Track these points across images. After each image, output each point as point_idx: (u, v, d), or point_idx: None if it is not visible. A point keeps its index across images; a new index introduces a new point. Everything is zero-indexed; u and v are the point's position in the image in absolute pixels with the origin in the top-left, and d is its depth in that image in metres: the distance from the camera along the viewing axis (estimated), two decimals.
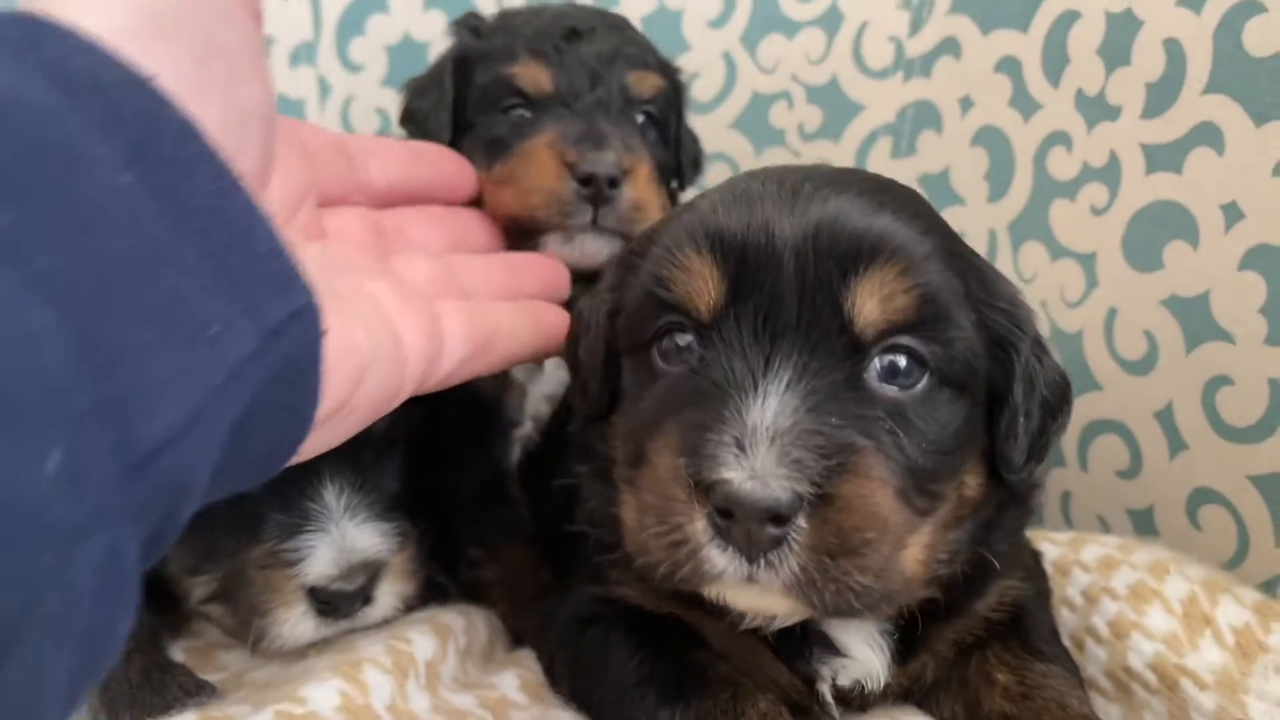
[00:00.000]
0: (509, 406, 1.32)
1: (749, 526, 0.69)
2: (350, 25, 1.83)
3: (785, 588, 0.71)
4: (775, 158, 1.71)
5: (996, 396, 0.84)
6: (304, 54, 1.84)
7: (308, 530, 0.96)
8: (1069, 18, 1.29)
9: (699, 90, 1.73)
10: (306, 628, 0.97)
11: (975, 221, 1.45)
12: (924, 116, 1.53)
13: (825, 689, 0.90)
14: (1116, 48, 1.22)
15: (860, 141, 1.61)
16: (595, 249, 1.20)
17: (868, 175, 0.90)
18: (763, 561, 0.70)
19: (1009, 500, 0.90)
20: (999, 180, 1.41)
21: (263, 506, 0.97)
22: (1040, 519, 1.30)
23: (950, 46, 1.48)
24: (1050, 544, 1.10)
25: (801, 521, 0.69)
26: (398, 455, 1.08)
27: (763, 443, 0.70)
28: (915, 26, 1.53)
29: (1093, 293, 1.28)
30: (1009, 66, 1.38)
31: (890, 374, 0.77)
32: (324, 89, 1.87)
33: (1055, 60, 1.31)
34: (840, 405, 0.74)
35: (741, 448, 0.70)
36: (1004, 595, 0.95)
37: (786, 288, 0.75)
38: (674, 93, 1.38)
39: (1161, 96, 1.16)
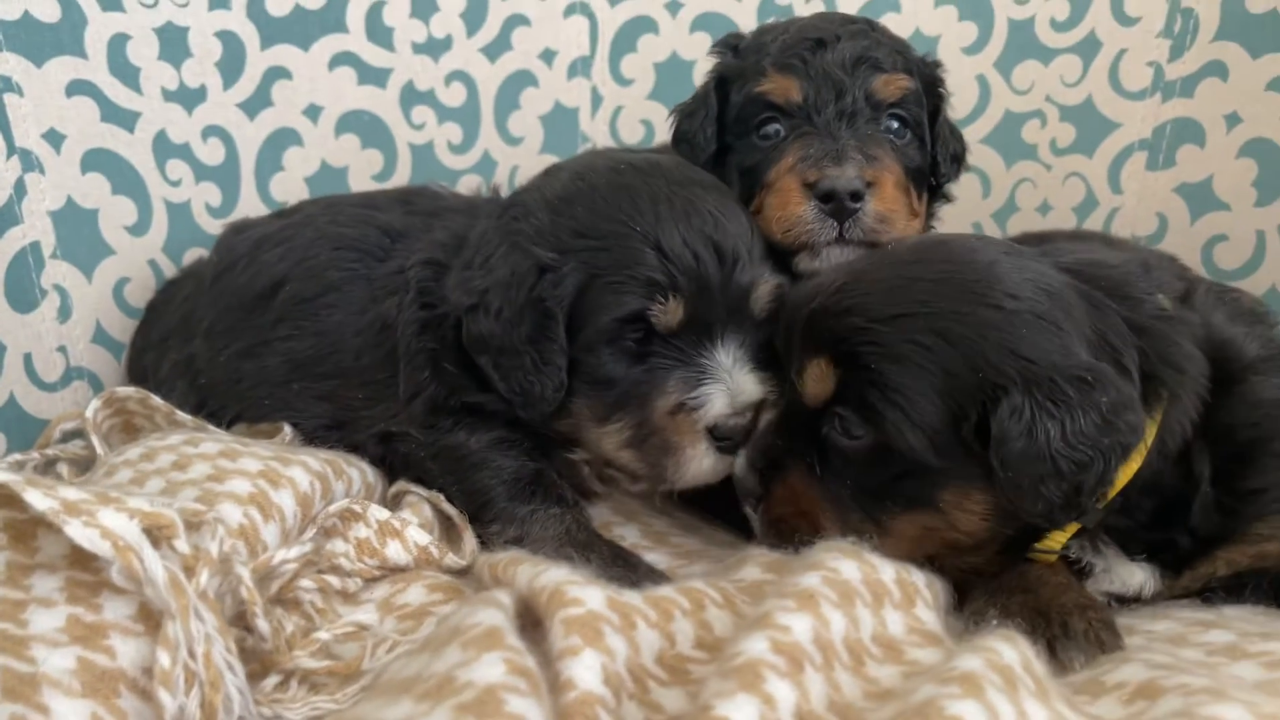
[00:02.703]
0: None
1: None
2: (623, 43, 2.02)
3: None
4: (1026, 171, 1.87)
5: None
6: (580, 67, 2.04)
7: (706, 382, 1.15)
8: None
9: (951, 109, 1.90)
10: (708, 462, 1.16)
11: (1241, 223, 1.60)
12: (1184, 132, 1.69)
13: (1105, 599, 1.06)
14: None
15: (1114, 156, 1.78)
16: (841, 259, 1.24)
17: None
18: None
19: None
20: (1269, 186, 1.57)
21: (668, 365, 1.16)
22: None
23: (1216, 69, 1.64)
24: None
25: None
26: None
27: None
28: (1176, 53, 1.70)
29: None
30: None
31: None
32: (596, 100, 2.06)
33: None
34: None
35: None
36: None
37: None
38: (929, 90, 1.40)
39: None
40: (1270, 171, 1.57)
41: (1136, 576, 1.04)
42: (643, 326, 1.14)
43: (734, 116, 1.39)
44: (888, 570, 0.96)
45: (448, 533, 1.23)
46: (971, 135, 1.89)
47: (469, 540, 1.18)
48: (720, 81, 1.43)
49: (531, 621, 0.90)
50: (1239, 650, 0.93)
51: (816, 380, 1.03)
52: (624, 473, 1.24)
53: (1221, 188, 1.64)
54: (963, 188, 1.90)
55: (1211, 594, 1.07)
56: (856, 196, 1.24)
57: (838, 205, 1.24)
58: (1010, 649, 0.86)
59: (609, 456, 1.22)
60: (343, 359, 1.33)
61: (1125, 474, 0.96)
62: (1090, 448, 0.90)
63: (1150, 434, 0.96)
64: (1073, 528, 1.00)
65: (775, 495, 1.09)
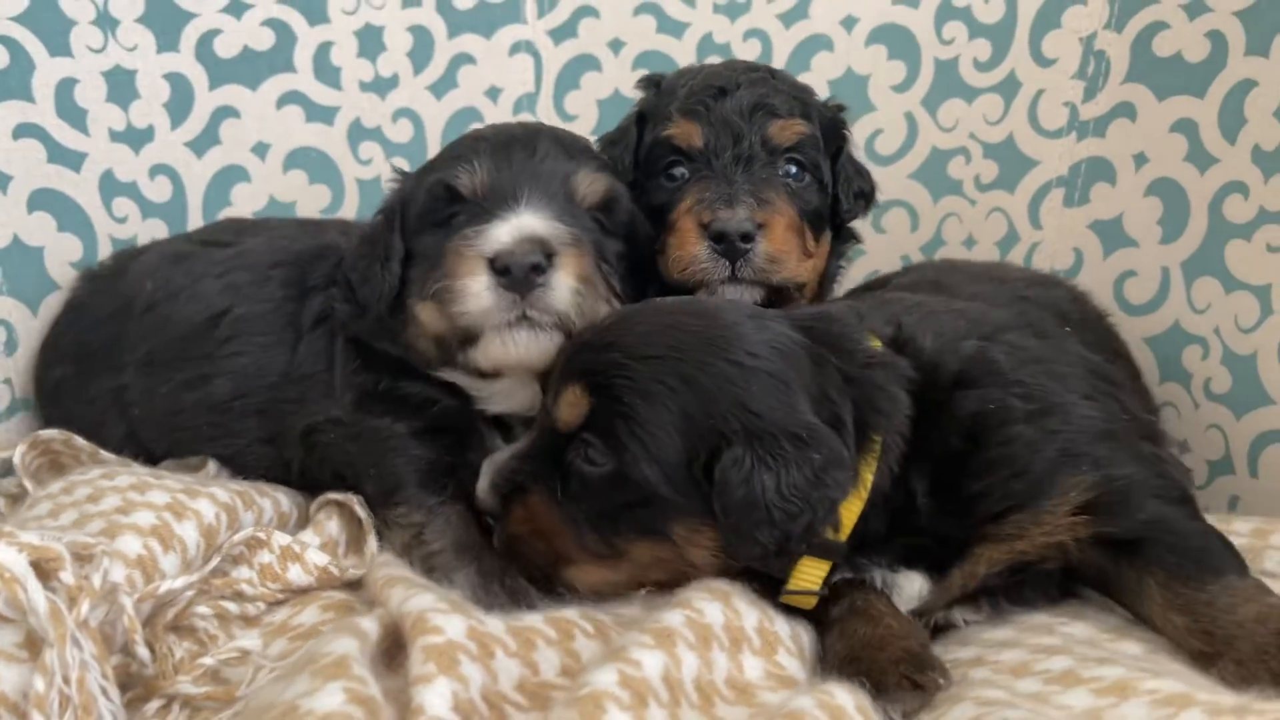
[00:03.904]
0: None
1: None
2: (567, 81, 2.09)
3: None
4: (952, 206, 1.93)
5: None
6: (525, 104, 2.10)
7: (495, 218, 1.21)
8: (1246, 85, 1.51)
9: (881, 145, 1.97)
10: (489, 298, 1.17)
11: (1148, 260, 1.65)
12: (1097, 170, 1.74)
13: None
14: None
15: (1034, 192, 1.83)
16: (737, 297, 1.33)
17: None
18: None
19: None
20: (1173, 225, 1.62)
21: (471, 219, 1.22)
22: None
23: (1126, 110, 1.70)
24: (1235, 535, 1.25)
25: None
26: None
27: None
28: (1090, 94, 1.76)
29: (1267, 319, 1.47)
30: (1185, 127, 1.60)
31: None
32: None
33: (1232, 121, 1.53)
34: None
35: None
36: (1046, 524, 1.07)
37: None
38: (828, 132, 1.46)
39: None
40: (1173, 210, 1.62)
41: (914, 584, 1.10)
42: (458, 201, 1.24)
43: (644, 157, 1.47)
44: (750, 618, 1.03)
45: (356, 539, 1.29)
46: (900, 170, 1.96)
47: (370, 543, 1.24)
48: (640, 117, 1.51)
49: (399, 644, 0.96)
50: (1073, 677, 0.97)
51: (570, 405, 1.09)
52: (435, 351, 1.28)
53: (1131, 225, 1.69)
54: (892, 222, 1.98)
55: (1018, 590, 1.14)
56: (747, 238, 1.31)
57: (729, 246, 1.31)
58: (845, 693, 0.91)
59: (425, 326, 1.26)
60: (279, 356, 1.39)
61: (850, 515, 1.05)
62: (801, 500, 0.98)
63: (870, 472, 1.05)
64: (825, 566, 1.06)
65: (514, 515, 1.16)
